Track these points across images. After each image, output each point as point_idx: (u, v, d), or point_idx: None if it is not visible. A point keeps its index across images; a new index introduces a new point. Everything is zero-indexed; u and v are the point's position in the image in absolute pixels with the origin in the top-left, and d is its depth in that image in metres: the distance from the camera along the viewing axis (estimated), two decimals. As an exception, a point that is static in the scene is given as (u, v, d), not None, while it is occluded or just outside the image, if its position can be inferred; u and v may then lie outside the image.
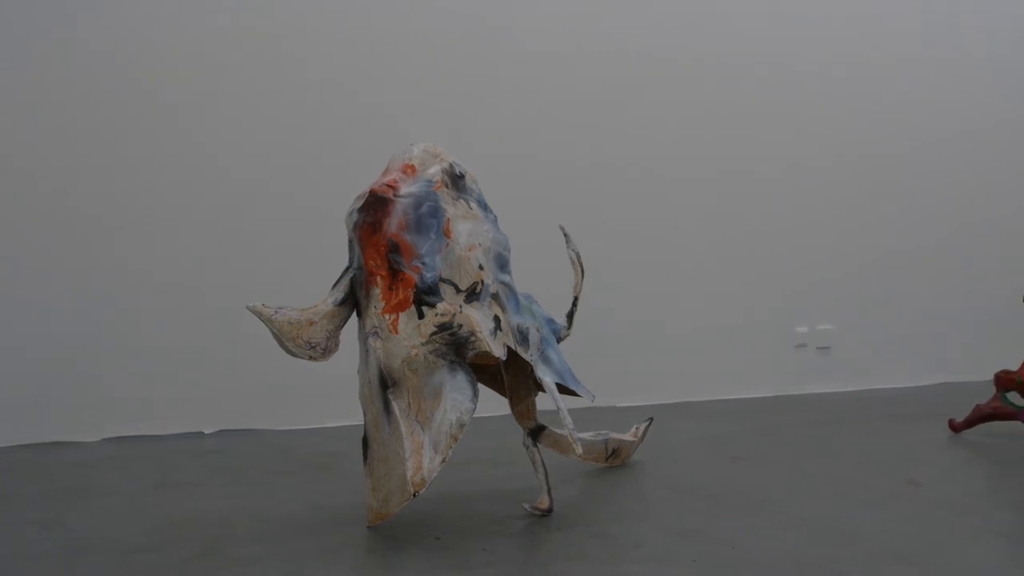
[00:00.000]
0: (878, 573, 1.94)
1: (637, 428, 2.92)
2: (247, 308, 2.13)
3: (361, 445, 2.25)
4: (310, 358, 2.16)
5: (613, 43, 3.84)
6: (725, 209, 4.03)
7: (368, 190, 2.19)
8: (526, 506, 2.35)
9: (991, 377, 3.26)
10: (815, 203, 4.18)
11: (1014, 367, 3.25)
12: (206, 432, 3.36)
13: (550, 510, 2.32)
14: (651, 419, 3.00)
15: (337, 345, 2.20)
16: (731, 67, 4.02)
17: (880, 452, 3.01)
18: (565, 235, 2.61)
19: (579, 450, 2.28)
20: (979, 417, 3.25)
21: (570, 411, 2.29)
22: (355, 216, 2.18)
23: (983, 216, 4.48)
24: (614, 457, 2.79)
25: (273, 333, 2.14)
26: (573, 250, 2.60)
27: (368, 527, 2.22)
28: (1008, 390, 3.20)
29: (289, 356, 2.19)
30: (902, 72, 4.32)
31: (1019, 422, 3.19)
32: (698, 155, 3.97)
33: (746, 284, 4.06)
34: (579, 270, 2.59)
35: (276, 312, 2.12)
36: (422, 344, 2.12)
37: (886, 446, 3.11)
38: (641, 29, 3.88)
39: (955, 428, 3.29)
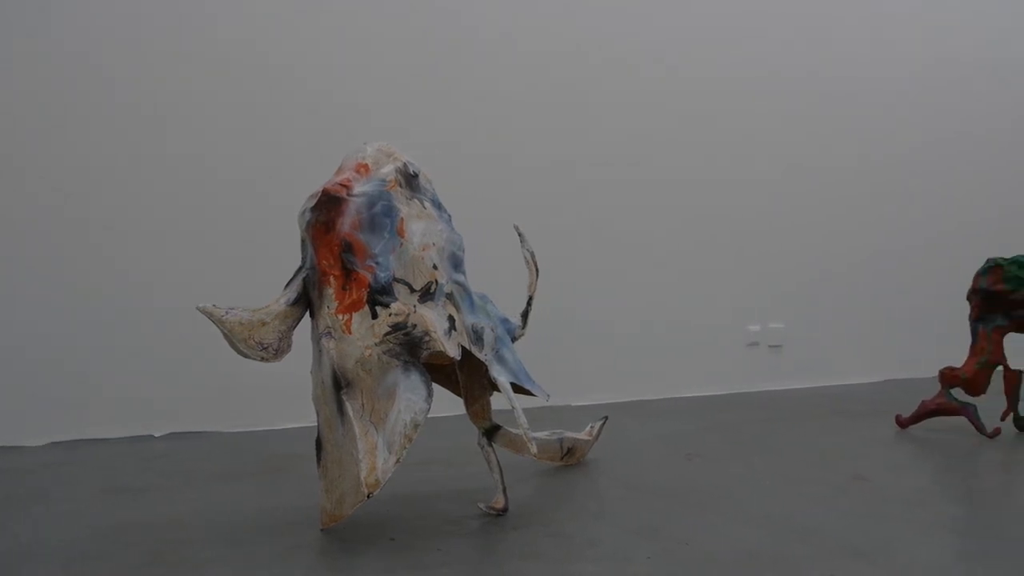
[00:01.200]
0: (832, 568, 1.96)
1: (592, 427, 2.93)
2: (197, 309, 2.09)
3: (315, 447, 2.23)
4: (262, 359, 2.13)
5: (572, 45, 3.85)
6: (679, 211, 4.07)
7: (321, 189, 2.16)
8: (481, 506, 2.34)
9: (936, 374, 3.34)
10: (768, 207, 4.24)
11: (958, 364, 3.32)
12: (156, 435, 3.30)
13: (505, 509, 2.32)
14: (606, 418, 3.02)
15: (289, 346, 2.17)
16: (690, 74, 4.06)
17: (830, 448, 3.06)
18: (519, 235, 2.61)
19: (534, 449, 2.29)
20: (925, 413, 3.32)
21: (525, 410, 2.29)
22: (308, 215, 2.16)
23: (926, 221, 4.60)
24: (569, 456, 2.79)
25: (224, 334, 2.11)
26: (527, 250, 2.60)
27: (322, 529, 2.20)
28: (952, 386, 3.27)
29: (241, 357, 2.16)
30: (857, 84, 4.40)
31: (963, 418, 3.27)
32: (653, 159, 4.01)
33: (699, 284, 4.10)
34: (533, 270, 2.59)
35: (227, 313, 2.09)
36: (376, 344, 2.10)
37: (836, 442, 3.16)
38: (600, 32, 3.90)
39: (902, 424, 3.36)
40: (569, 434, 2.81)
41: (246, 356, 2.14)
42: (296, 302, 2.17)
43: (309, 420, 2.40)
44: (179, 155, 3.34)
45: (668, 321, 4.04)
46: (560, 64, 3.83)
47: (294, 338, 2.19)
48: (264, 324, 2.12)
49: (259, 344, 2.11)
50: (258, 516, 2.34)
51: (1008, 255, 3.25)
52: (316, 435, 2.23)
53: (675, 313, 4.05)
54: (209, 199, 3.36)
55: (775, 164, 4.25)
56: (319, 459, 2.21)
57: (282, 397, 3.23)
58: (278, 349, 2.14)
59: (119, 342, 3.26)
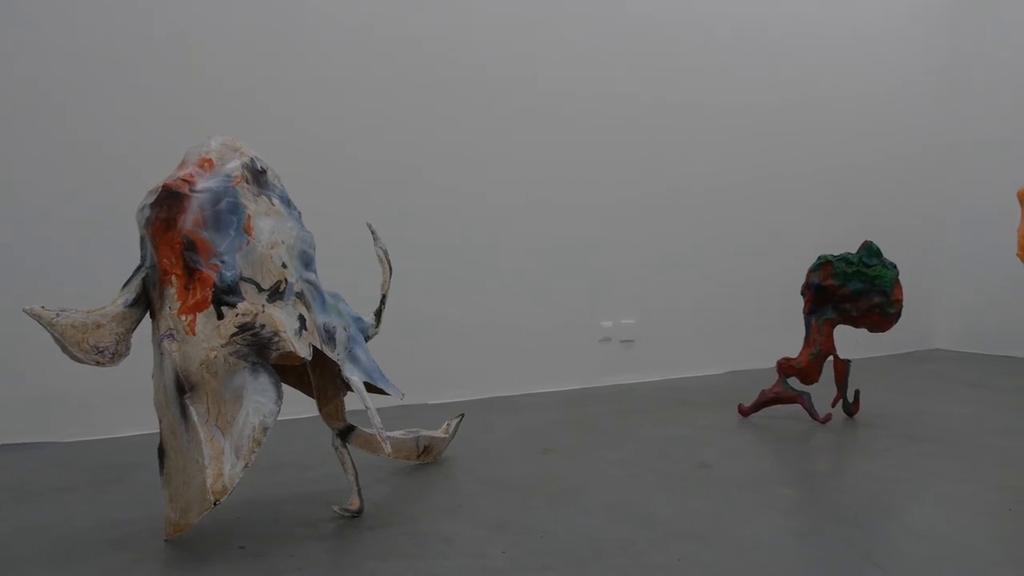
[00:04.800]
0: (670, 550, 2.05)
1: (448, 424, 2.94)
2: (24, 312, 1.96)
3: (157, 454, 2.14)
4: (97, 363, 2.02)
5: (423, 41, 3.84)
6: (532, 209, 4.12)
7: (160, 184, 2.07)
8: (336, 508, 2.31)
9: (774, 364, 3.53)
10: (619, 209, 4.37)
11: (794, 355, 3.53)
12: (-19, 448, 3.07)
13: (360, 511, 2.29)
14: (462, 415, 3.04)
15: (128, 349, 2.07)
16: (542, 75, 4.13)
17: (677, 438, 3.19)
18: (372, 233, 2.58)
19: (388, 449, 2.27)
20: (764, 401, 3.51)
21: (382, 410, 2.28)
22: (147, 212, 2.06)
23: (764, 222, 4.86)
24: (425, 454, 2.79)
25: (55, 338, 1.98)
26: (381, 247, 2.58)
27: (166, 540, 2.11)
28: (788, 376, 3.47)
29: (75, 362, 2.05)
30: (702, 93, 4.60)
31: (798, 405, 3.48)
32: (505, 158, 4.05)
33: (553, 281, 4.18)
34: (387, 268, 2.57)
35: (57, 315, 1.97)
36: (222, 346, 2.03)
37: (682, 432, 3.29)
38: (453, 30, 3.91)
39: (743, 412, 3.54)
40: (425, 432, 2.80)
41: (80, 361, 2.02)
42: (135, 303, 2.07)
43: (150, 427, 2.29)
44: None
45: (523, 318, 4.09)
46: (412, 63, 3.81)
47: (133, 340, 2.09)
48: (99, 326, 2.01)
49: (94, 348, 2.00)
50: (95, 530, 2.22)
51: (837, 252, 3.47)
52: (158, 442, 2.13)
53: (530, 310, 4.12)
54: (37, 195, 3.15)
55: (625, 166, 4.38)
56: (162, 467, 2.11)
57: (120, 403, 3.07)
58: (115, 353, 2.03)
59: (-63, 349, 3.02)
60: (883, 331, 3.48)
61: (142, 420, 2.78)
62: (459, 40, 3.91)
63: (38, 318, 1.96)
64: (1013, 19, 5.35)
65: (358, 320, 2.42)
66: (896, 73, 5.39)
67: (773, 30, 4.86)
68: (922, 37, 5.52)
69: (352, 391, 2.30)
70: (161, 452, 2.12)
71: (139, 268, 2.12)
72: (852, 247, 3.56)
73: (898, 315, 3.44)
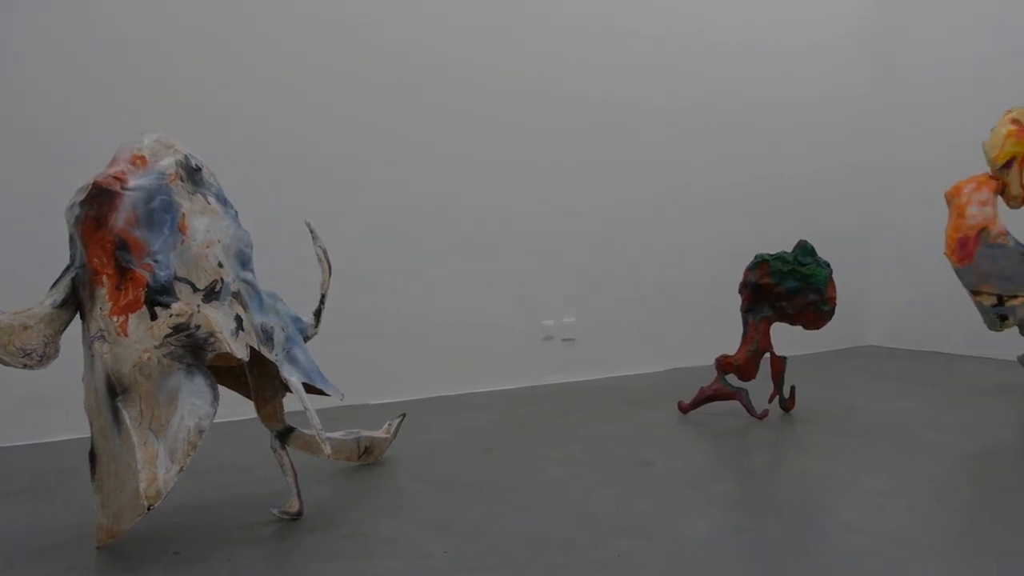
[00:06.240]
0: (611, 547, 2.07)
1: (390, 425, 2.92)
2: (-54, 313, 1.89)
3: (88, 459, 2.08)
4: (25, 366, 1.96)
5: (361, 39, 3.80)
6: (474, 209, 4.11)
7: (91, 182, 2.02)
8: (275, 511, 2.28)
9: (713, 362, 3.58)
10: (560, 208, 4.38)
11: (732, 352, 3.58)
12: (-99, 455, 2.96)
13: (300, 513, 2.27)
14: (403, 415, 3.02)
15: (57, 351, 2.01)
16: (492, 74, 4.12)
17: (619, 435, 3.22)
18: (311, 232, 2.55)
19: (327, 450, 2.25)
20: (703, 398, 3.55)
21: (323, 411, 2.25)
22: (76, 210, 2.01)
23: (703, 222, 4.93)
24: (367, 455, 2.77)
25: (-21, 340, 1.92)
26: (320, 247, 2.55)
27: (98, 547, 2.06)
28: (727, 373, 3.52)
29: (1, 365, 1.98)
30: (635, 94, 4.64)
31: (736, 401, 3.53)
32: (446, 158, 4.03)
33: (494, 279, 4.18)
34: (326, 267, 2.54)
35: (-18, 316, 1.90)
36: (155, 347, 1.98)
37: (624, 429, 3.32)
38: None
39: (683, 409, 3.58)
40: (366, 433, 2.78)
41: (6, 363, 1.96)
42: (63, 304, 2.01)
43: (80, 431, 2.23)
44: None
45: (465, 317, 4.08)
46: (358, 60, 3.78)
47: (63, 342, 2.03)
48: (26, 328, 1.95)
49: (21, 350, 1.95)
50: (24, 538, 2.15)
51: (773, 252, 3.53)
52: (90, 447, 2.07)
53: (472, 309, 4.10)
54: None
55: (565, 167, 4.40)
56: (93, 472, 2.06)
57: (49, 407, 2.98)
58: (43, 355, 1.97)
59: None
60: (817, 328, 3.55)
61: (73, 424, 2.70)
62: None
63: (-40, 320, 1.89)
64: (937, 35, 5.52)
65: (296, 320, 2.38)
66: (831, 83, 5.49)
67: (710, 40, 4.93)
68: (849, 53, 5.65)
69: (291, 392, 2.27)
70: (92, 457, 2.06)
71: (68, 268, 2.06)
72: (788, 247, 3.62)
73: (832, 312, 3.51)
